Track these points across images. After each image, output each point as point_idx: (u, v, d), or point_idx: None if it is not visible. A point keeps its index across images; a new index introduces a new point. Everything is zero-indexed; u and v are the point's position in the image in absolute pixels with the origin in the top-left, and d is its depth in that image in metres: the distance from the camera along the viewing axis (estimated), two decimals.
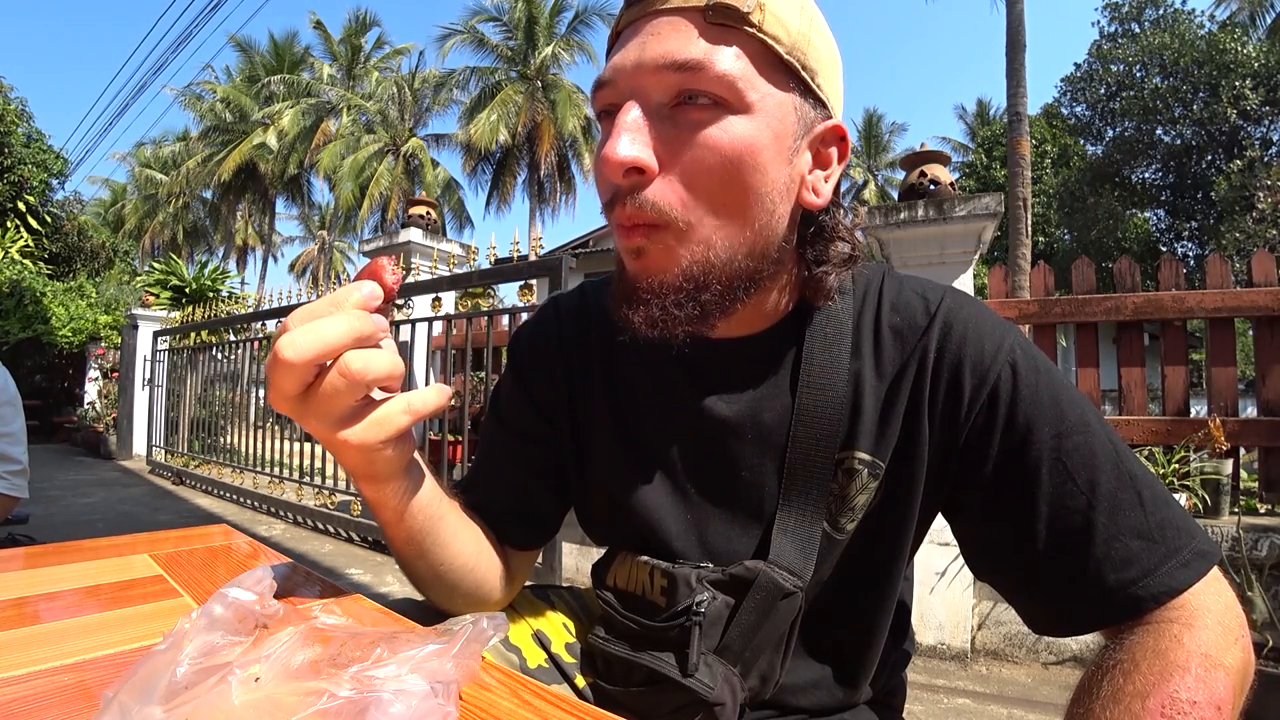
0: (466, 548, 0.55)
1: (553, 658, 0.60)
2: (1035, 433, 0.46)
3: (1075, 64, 18.95)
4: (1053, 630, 0.48)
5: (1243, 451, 2.32)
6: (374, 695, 0.28)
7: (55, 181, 12.32)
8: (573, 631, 0.65)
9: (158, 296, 7.92)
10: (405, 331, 3.57)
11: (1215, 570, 0.45)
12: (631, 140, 0.42)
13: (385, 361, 0.39)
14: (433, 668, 0.30)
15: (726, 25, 0.42)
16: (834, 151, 0.49)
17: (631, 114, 0.43)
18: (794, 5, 0.45)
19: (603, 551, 0.64)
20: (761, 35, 0.43)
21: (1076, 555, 0.44)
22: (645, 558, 0.56)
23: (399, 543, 0.52)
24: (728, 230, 0.44)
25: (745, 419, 0.54)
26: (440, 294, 3.36)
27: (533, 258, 2.98)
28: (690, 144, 0.42)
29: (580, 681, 0.60)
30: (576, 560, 2.96)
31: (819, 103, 0.47)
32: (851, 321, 0.53)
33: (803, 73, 0.45)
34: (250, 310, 4.88)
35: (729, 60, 0.42)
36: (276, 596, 0.38)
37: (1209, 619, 0.42)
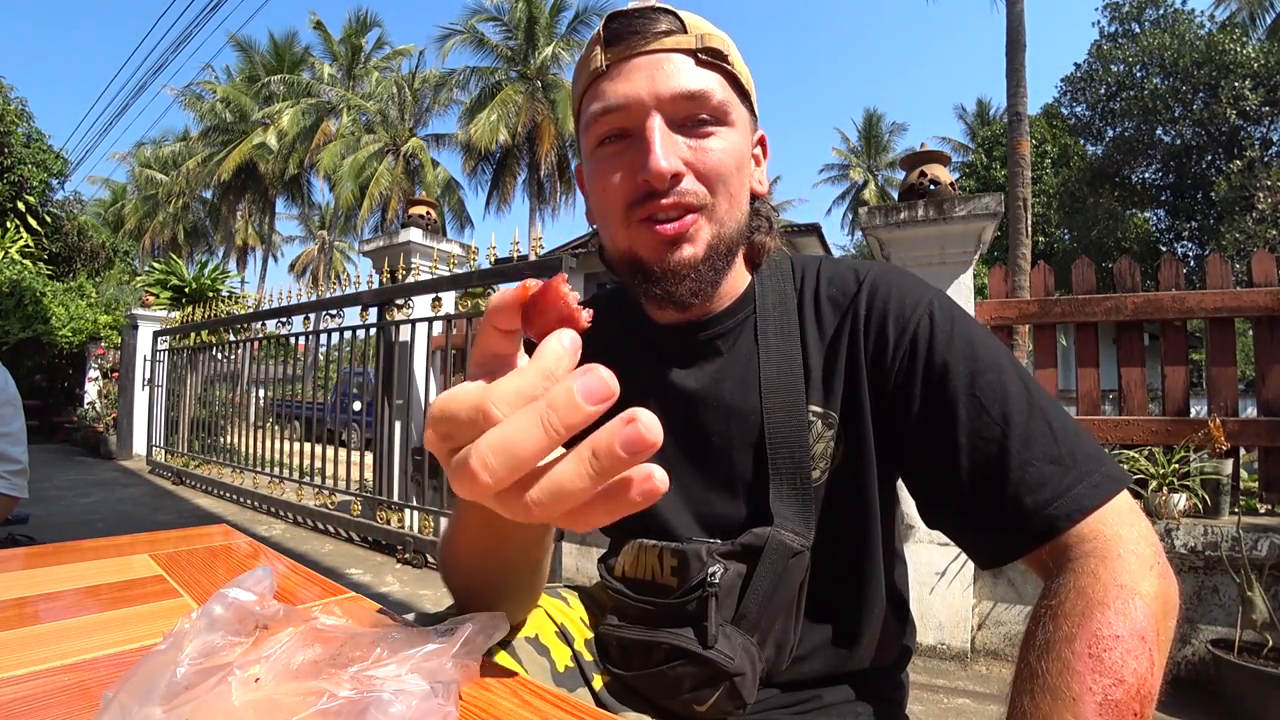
0: (541, 567, 0.55)
1: (576, 655, 0.61)
2: (951, 372, 0.52)
3: (1075, 64, 18.92)
4: (993, 562, 0.51)
5: (1243, 451, 2.32)
6: (374, 695, 0.28)
7: (55, 181, 12.30)
8: (588, 625, 0.66)
9: (158, 296, 7.92)
10: (405, 331, 3.58)
11: (1128, 500, 0.47)
12: (667, 153, 0.52)
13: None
14: (432, 667, 0.30)
15: (713, 63, 0.54)
16: (759, 152, 0.63)
17: (662, 131, 0.53)
18: (737, 49, 0.58)
19: (601, 552, 0.65)
20: (733, 71, 0.56)
21: (996, 483, 0.48)
22: (653, 541, 0.59)
23: (475, 556, 0.50)
24: (731, 211, 0.56)
25: (710, 389, 0.61)
26: (440, 294, 3.36)
27: (533, 258, 2.98)
28: (704, 152, 0.54)
29: (598, 683, 0.61)
30: (576, 560, 2.96)
31: (755, 118, 0.61)
32: (794, 299, 0.62)
33: (751, 97, 0.59)
34: (250, 310, 4.88)
35: (721, 90, 0.55)
36: (276, 597, 0.38)
37: (1121, 548, 0.44)
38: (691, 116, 0.54)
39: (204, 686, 0.27)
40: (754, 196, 0.61)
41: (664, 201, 0.53)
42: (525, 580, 0.54)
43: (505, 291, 0.30)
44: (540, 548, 0.51)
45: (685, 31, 0.54)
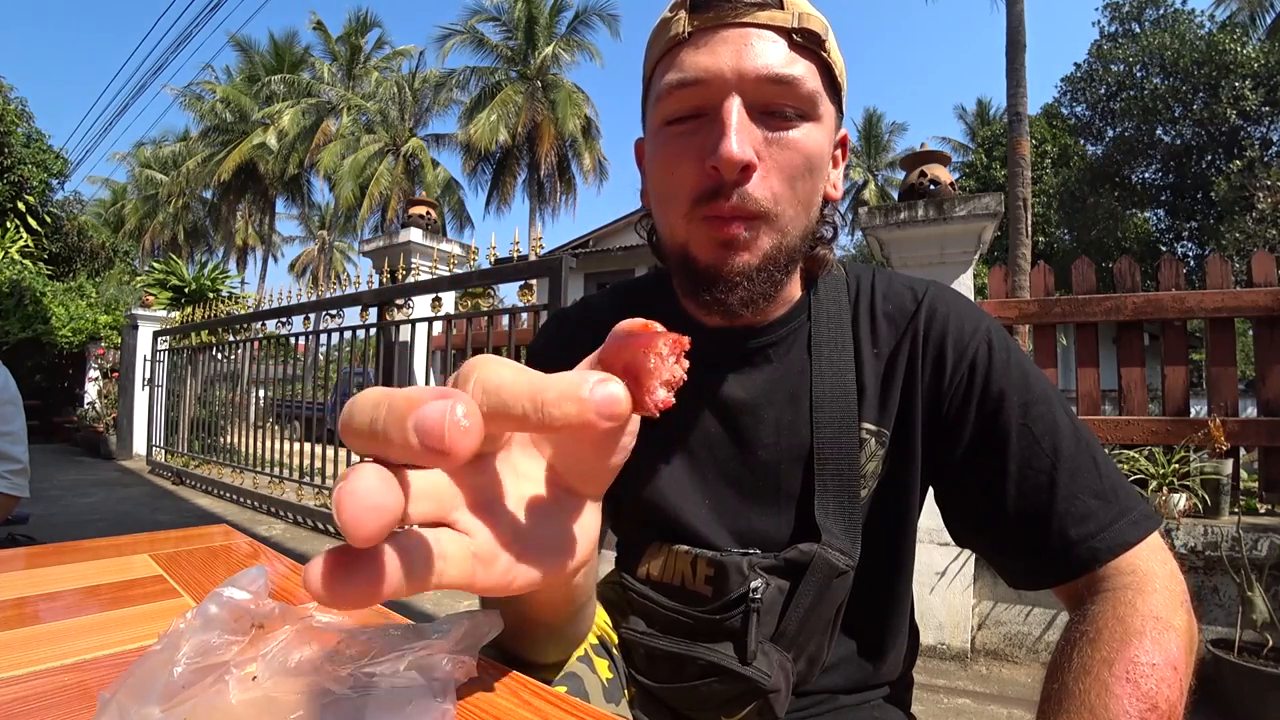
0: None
1: (614, 663, 0.58)
2: (1006, 400, 0.52)
3: (1075, 64, 18.93)
4: (1026, 584, 0.52)
5: (1243, 451, 2.32)
6: (372, 692, 0.28)
7: (55, 181, 12.32)
8: (612, 628, 0.64)
9: (157, 296, 7.92)
10: (405, 331, 3.58)
11: (1159, 538, 0.49)
12: (744, 141, 0.47)
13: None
14: (429, 664, 0.30)
15: (808, 47, 0.49)
16: (838, 154, 0.58)
17: (740, 116, 0.47)
18: (832, 35, 0.52)
19: (612, 553, 0.63)
20: (828, 59, 0.50)
21: (1042, 511, 0.49)
22: (685, 547, 0.57)
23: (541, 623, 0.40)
24: (799, 219, 0.52)
25: (760, 400, 0.58)
26: (440, 294, 3.36)
27: (533, 258, 2.98)
28: (782, 146, 0.49)
29: (625, 696, 0.59)
30: None
31: (841, 115, 0.56)
32: (849, 311, 0.60)
33: (841, 91, 0.54)
34: (250, 310, 4.88)
35: (813, 79, 0.49)
36: (277, 597, 0.38)
37: (1157, 583, 0.46)
38: (775, 104, 0.49)
39: (201, 686, 0.27)
40: (826, 201, 0.57)
41: (726, 205, 0.48)
42: (569, 633, 0.45)
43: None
44: (572, 607, 0.40)
45: (782, 7, 0.48)
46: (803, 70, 0.48)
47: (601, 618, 0.62)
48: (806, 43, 0.49)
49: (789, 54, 0.48)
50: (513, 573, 0.26)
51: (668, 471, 0.58)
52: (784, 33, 0.48)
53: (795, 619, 0.52)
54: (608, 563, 0.67)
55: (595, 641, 0.58)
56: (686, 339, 0.24)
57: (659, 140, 0.52)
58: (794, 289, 0.60)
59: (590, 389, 0.21)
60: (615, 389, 0.22)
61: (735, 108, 0.47)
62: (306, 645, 0.30)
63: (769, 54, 0.48)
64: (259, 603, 0.33)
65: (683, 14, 0.50)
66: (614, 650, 0.60)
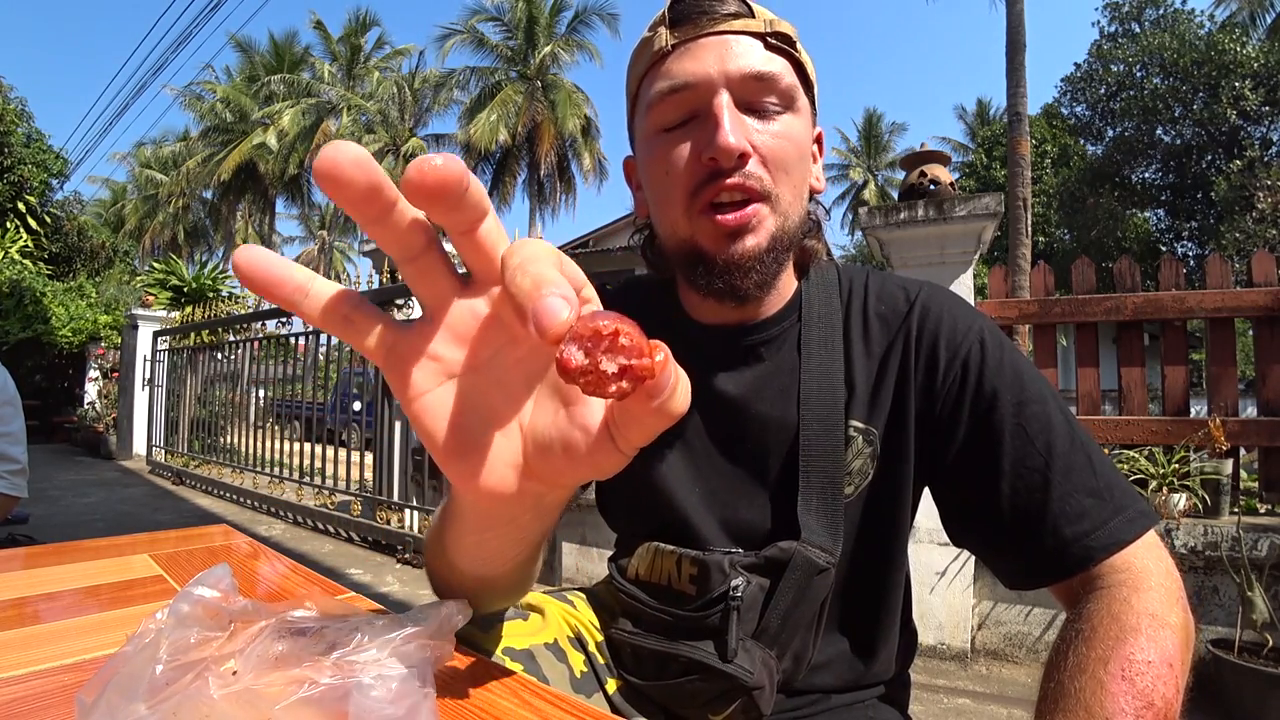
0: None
1: (590, 659, 0.60)
2: (1000, 399, 0.52)
3: (1075, 64, 18.89)
4: (1022, 584, 0.52)
5: (1243, 451, 2.32)
6: (354, 680, 0.28)
7: (55, 181, 12.32)
8: (598, 628, 0.65)
9: (157, 296, 7.92)
10: None
11: (1155, 536, 0.49)
12: (738, 131, 0.51)
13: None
14: (410, 651, 0.31)
15: (781, 48, 0.54)
16: (816, 149, 0.61)
17: (731, 109, 0.51)
18: (799, 39, 0.56)
19: (601, 551, 0.64)
20: (800, 59, 0.55)
21: (1036, 510, 0.49)
22: (671, 546, 0.58)
23: (488, 568, 0.40)
24: (794, 204, 0.55)
25: (750, 395, 0.59)
26: None
27: None
28: (770, 135, 0.53)
29: (611, 686, 0.60)
30: (576, 560, 2.96)
31: (815, 112, 0.59)
32: (841, 311, 0.61)
33: (814, 89, 0.58)
34: (250, 310, 4.89)
35: (789, 75, 0.54)
36: (277, 597, 0.38)
37: (1153, 581, 0.46)
38: (759, 99, 0.53)
39: (183, 682, 0.27)
40: (811, 194, 0.60)
41: (728, 181, 0.51)
42: (526, 570, 0.45)
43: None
44: (539, 532, 0.39)
45: (753, 16, 0.53)
46: (780, 67, 0.53)
47: (587, 616, 0.64)
48: (780, 43, 0.53)
49: (766, 54, 0.53)
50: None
51: (661, 463, 0.60)
52: (758, 36, 0.53)
53: (776, 616, 0.53)
54: (602, 563, 0.67)
55: (570, 634, 0.60)
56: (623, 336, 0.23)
57: (653, 147, 0.55)
58: (787, 286, 0.61)
59: (545, 298, 0.22)
60: (560, 302, 0.22)
61: (725, 103, 0.51)
62: (285, 639, 0.31)
63: (749, 54, 0.52)
64: (230, 599, 0.33)
65: (663, 30, 0.54)
66: (590, 648, 0.61)
